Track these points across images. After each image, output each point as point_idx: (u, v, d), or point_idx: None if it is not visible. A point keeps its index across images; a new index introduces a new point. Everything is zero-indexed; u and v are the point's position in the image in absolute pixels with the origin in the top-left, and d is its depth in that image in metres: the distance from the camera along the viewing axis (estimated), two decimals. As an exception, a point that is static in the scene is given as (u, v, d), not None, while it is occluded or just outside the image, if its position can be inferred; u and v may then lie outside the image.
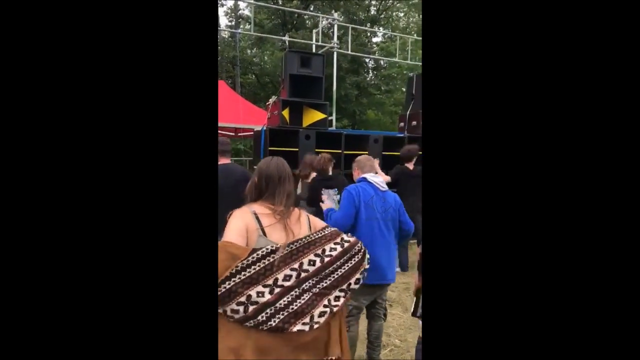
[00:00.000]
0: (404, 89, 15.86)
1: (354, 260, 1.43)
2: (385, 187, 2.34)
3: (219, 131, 8.79)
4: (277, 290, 1.28)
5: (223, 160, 2.81)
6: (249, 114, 8.43)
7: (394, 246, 2.35)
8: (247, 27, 14.29)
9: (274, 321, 1.26)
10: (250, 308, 1.24)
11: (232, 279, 1.23)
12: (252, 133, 7.37)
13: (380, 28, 14.78)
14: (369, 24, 14.64)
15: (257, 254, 1.28)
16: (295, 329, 1.28)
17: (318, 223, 1.54)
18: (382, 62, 15.61)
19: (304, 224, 1.49)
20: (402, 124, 6.17)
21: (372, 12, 15.77)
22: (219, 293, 1.22)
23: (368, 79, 16.08)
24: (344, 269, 1.40)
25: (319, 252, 1.38)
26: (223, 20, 16.28)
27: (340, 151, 5.01)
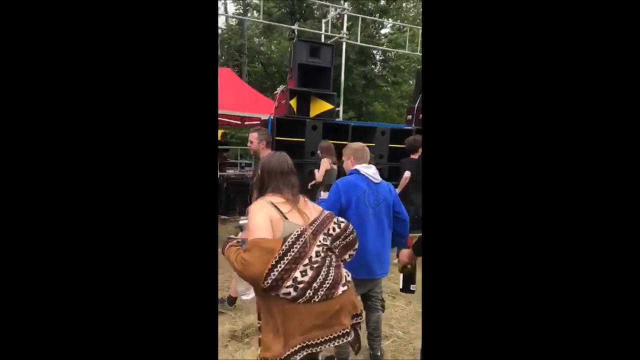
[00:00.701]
0: (411, 82, 15.72)
1: (349, 239, 1.64)
2: (379, 179, 2.25)
3: (225, 119, 8.77)
4: (315, 266, 1.45)
5: (267, 152, 2.81)
6: (255, 103, 8.39)
7: (387, 240, 2.28)
8: (255, 14, 14.18)
9: (322, 291, 1.43)
10: (300, 287, 1.40)
11: (275, 270, 1.37)
12: (258, 122, 7.34)
13: (390, 19, 14.59)
14: (377, 15, 14.48)
15: (288, 242, 1.41)
16: (339, 291, 1.48)
17: (316, 206, 1.71)
18: (389, 54, 15.45)
19: (310, 207, 1.65)
20: (409, 117, 6.14)
21: (381, 3, 15.57)
22: (266, 285, 1.36)
23: (375, 70, 15.95)
24: (343, 244, 1.62)
25: (326, 230, 1.57)
26: (230, 7, 16.17)
27: (346, 142, 4.99)
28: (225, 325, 2.77)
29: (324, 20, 7.97)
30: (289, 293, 1.39)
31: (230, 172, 6.83)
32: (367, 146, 2.46)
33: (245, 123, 9.86)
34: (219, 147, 7.28)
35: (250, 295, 1.72)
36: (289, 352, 1.39)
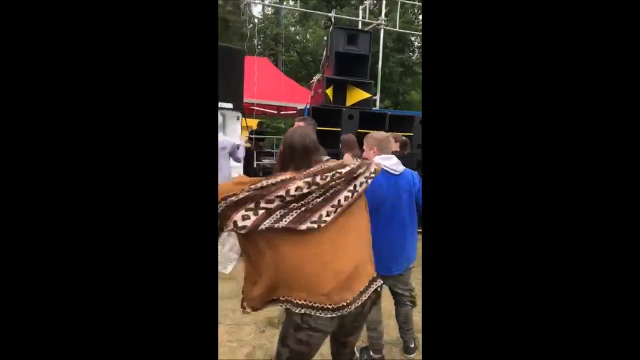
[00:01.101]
0: (451, 69, 15.12)
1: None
2: (400, 169, 2.12)
3: (261, 109, 8.87)
4: (288, 198, 1.31)
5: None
6: (291, 92, 8.44)
7: (407, 235, 2.15)
8: (291, 3, 14.15)
9: (285, 221, 1.30)
10: (260, 212, 1.28)
11: (243, 192, 1.27)
12: (295, 112, 7.37)
13: (429, 4, 14.09)
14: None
15: (273, 181, 1.31)
16: (303, 227, 1.31)
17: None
18: (429, 40, 14.93)
19: None
20: (449, 106, 5.95)
21: (420, -13, 15.06)
22: (225, 205, 1.26)
23: (413, 57, 15.52)
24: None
25: (352, 187, 1.45)
26: (267, -3, 16.20)
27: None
28: (262, 311, 2.82)
29: (361, 7, 7.81)
30: (248, 217, 1.26)
31: (266, 161, 6.92)
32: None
33: (281, 113, 9.92)
34: (255, 136, 7.39)
35: (229, 268, 1.66)
36: (259, 295, 1.41)
